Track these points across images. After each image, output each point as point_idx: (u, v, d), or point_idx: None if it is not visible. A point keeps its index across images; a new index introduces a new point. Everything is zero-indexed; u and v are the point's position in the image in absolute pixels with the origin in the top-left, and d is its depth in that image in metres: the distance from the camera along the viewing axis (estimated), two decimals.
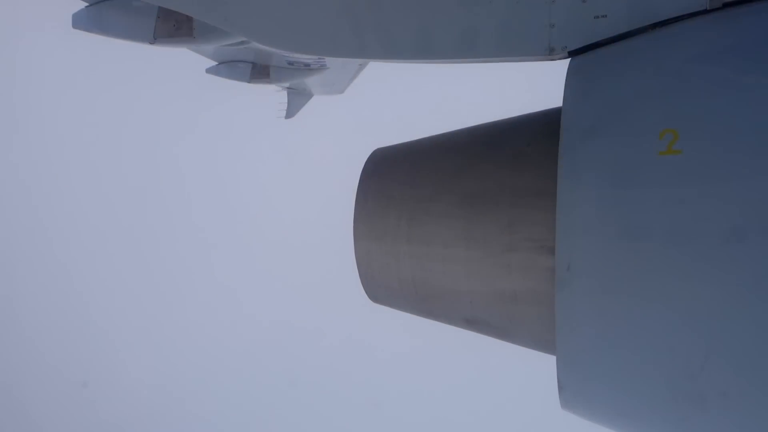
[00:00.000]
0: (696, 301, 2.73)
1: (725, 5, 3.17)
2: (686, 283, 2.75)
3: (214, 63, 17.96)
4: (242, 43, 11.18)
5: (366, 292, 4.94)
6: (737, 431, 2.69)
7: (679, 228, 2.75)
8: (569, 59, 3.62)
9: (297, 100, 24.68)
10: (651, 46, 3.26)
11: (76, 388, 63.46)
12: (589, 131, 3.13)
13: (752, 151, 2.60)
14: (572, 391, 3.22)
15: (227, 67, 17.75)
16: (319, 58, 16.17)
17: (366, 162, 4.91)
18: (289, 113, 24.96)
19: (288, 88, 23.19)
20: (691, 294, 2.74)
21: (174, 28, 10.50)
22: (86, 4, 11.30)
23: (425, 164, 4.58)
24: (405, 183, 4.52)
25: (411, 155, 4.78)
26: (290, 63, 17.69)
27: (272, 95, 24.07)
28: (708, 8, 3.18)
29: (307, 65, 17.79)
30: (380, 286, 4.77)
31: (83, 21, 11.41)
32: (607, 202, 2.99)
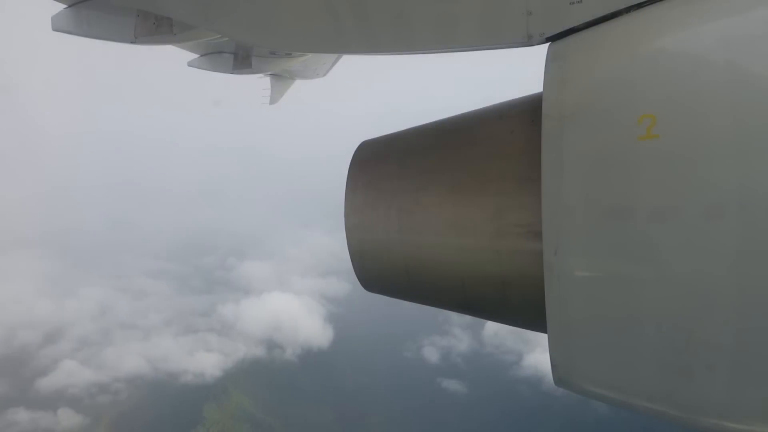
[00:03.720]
0: (679, 278, 2.84)
1: None
2: (669, 261, 2.86)
3: (196, 56, 17.87)
4: (223, 36, 11.09)
5: (360, 282, 5.01)
6: (720, 399, 2.83)
7: (660, 209, 2.84)
8: (548, 45, 3.66)
9: (280, 85, 24.67)
10: (627, 30, 3.28)
11: None
12: (569, 117, 3.18)
13: (728, 134, 2.69)
14: (564, 368, 3.34)
15: (209, 59, 17.68)
16: None
17: (353, 155, 4.94)
18: (273, 99, 24.97)
19: (271, 74, 23.15)
20: (674, 271, 2.85)
21: (154, 26, 10.36)
22: (65, 5, 11.16)
23: (412, 155, 4.63)
24: (393, 175, 4.57)
25: (397, 146, 4.82)
26: (272, 52, 17.62)
27: (255, 81, 24.05)
28: None
29: (288, 53, 17.70)
30: (373, 276, 4.84)
31: (63, 23, 11.24)
32: (590, 187, 3.07)
